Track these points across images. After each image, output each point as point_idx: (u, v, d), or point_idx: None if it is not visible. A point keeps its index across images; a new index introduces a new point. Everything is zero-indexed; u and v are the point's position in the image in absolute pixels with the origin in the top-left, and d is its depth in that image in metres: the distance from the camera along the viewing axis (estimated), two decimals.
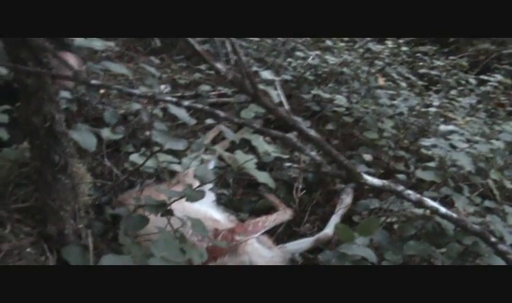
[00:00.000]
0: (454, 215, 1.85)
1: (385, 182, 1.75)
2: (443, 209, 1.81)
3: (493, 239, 1.87)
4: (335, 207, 2.61)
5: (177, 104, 1.53)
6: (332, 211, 2.59)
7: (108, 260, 1.53)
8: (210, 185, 2.61)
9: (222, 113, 1.56)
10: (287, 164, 2.36)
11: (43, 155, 1.63)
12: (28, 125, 1.61)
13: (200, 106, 1.57)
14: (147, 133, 1.91)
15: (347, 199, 2.64)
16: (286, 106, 1.77)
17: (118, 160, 2.37)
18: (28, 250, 1.64)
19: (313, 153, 1.58)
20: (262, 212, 2.45)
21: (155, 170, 2.01)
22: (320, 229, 2.51)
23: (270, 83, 2.78)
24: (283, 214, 2.46)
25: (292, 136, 2.23)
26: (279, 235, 2.46)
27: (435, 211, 1.82)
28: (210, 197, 2.51)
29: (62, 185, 1.66)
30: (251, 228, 2.28)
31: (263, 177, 1.92)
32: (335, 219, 2.51)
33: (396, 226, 2.42)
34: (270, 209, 2.49)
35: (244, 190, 2.73)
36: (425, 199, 1.80)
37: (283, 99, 1.88)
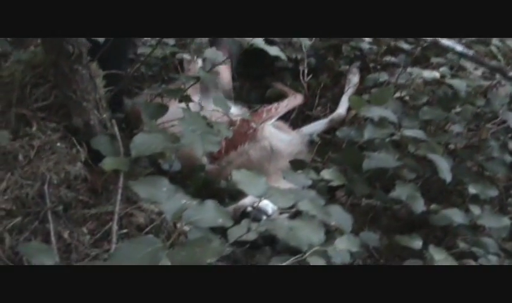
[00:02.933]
0: (470, 52, 1.85)
1: None
2: (459, 47, 1.81)
3: (511, 73, 1.87)
4: (344, 88, 2.61)
5: None
6: (341, 92, 2.60)
7: (140, 138, 1.52)
8: None
9: None
10: None
11: (56, 47, 1.59)
12: None
13: None
14: None
15: (354, 78, 2.63)
16: None
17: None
18: (58, 144, 1.63)
19: None
20: (272, 100, 2.44)
21: (163, 59, 1.96)
22: (332, 110, 2.52)
23: None
24: (294, 100, 2.45)
25: None
26: (293, 120, 2.47)
27: (451, 50, 1.81)
28: (218, 93, 2.50)
29: (80, 76, 1.62)
30: (265, 115, 2.28)
31: (273, 50, 1.89)
32: (345, 99, 2.51)
33: (407, 98, 2.42)
34: (280, 97, 2.48)
35: (251, 84, 2.72)
36: (440, 39, 1.79)
37: None
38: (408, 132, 1.98)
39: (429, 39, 1.75)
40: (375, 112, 1.99)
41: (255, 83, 2.70)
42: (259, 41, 1.85)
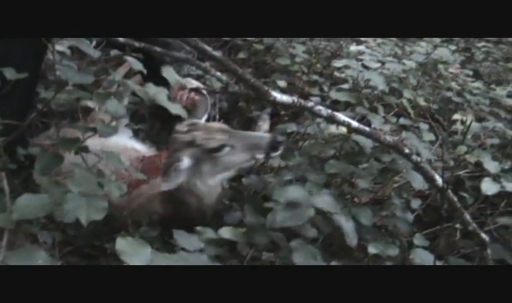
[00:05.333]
0: (367, 129, 1.88)
1: (294, 98, 1.75)
2: (355, 123, 1.83)
3: (407, 151, 1.91)
4: None
5: None
6: None
7: (24, 199, 1.46)
8: (126, 122, 2.57)
9: None
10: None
11: None
12: None
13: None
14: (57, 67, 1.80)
15: (264, 125, 2.64)
16: None
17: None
18: None
19: (219, 74, 1.56)
20: None
21: (67, 105, 1.91)
22: None
23: None
24: None
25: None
26: None
27: (347, 126, 1.83)
28: (127, 133, 2.48)
29: None
30: None
31: (175, 108, 1.86)
32: None
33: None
34: None
35: (162, 124, 2.70)
36: (336, 113, 1.81)
37: None
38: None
39: (325, 113, 1.77)
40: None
41: (166, 124, 2.68)
42: (162, 98, 1.82)
